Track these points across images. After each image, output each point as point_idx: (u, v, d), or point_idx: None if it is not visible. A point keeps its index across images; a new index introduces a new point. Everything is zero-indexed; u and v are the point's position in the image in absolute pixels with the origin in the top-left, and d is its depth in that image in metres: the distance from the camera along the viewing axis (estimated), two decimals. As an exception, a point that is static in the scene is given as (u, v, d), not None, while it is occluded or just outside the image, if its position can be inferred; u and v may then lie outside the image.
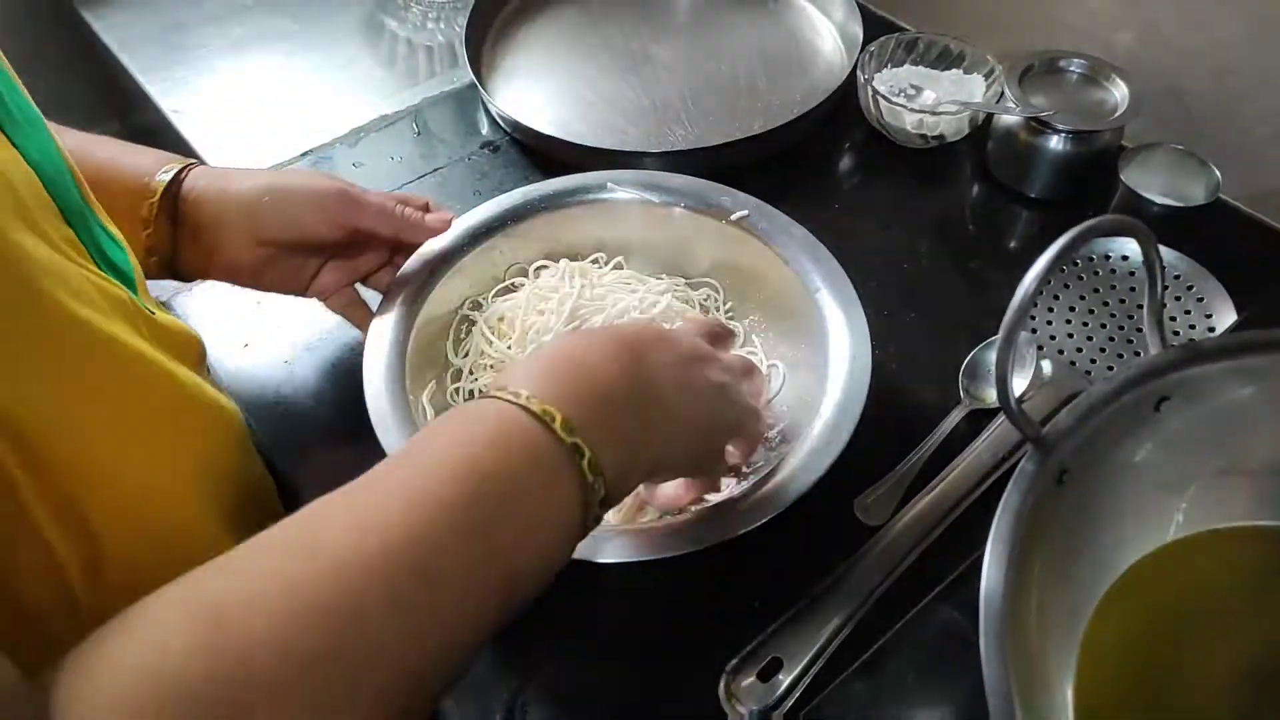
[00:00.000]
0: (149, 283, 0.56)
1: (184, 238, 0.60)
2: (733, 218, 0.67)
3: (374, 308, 0.65)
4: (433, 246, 0.66)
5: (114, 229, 0.52)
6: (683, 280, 0.71)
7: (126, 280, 0.49)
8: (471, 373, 0.66)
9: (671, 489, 0.53)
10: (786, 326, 0.67)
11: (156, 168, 0.60)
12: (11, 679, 0.30)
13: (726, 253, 0.69)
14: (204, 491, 0.50)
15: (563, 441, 0.39)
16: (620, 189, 0.69)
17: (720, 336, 0.57)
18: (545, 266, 0.70)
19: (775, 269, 0.67)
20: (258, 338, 0.72)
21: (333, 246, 0.64)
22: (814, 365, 0.62)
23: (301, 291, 0.65)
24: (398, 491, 0.37)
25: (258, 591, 0.32)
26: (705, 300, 0.71)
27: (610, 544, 0.53)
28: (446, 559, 0.35)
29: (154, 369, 0.47)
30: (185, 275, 0.63)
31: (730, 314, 0.71)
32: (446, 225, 0.66)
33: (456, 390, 0.66)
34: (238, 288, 0.64)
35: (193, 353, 0.56)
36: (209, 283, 0.75)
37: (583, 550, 0.52)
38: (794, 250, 0.66)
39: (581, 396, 0.41)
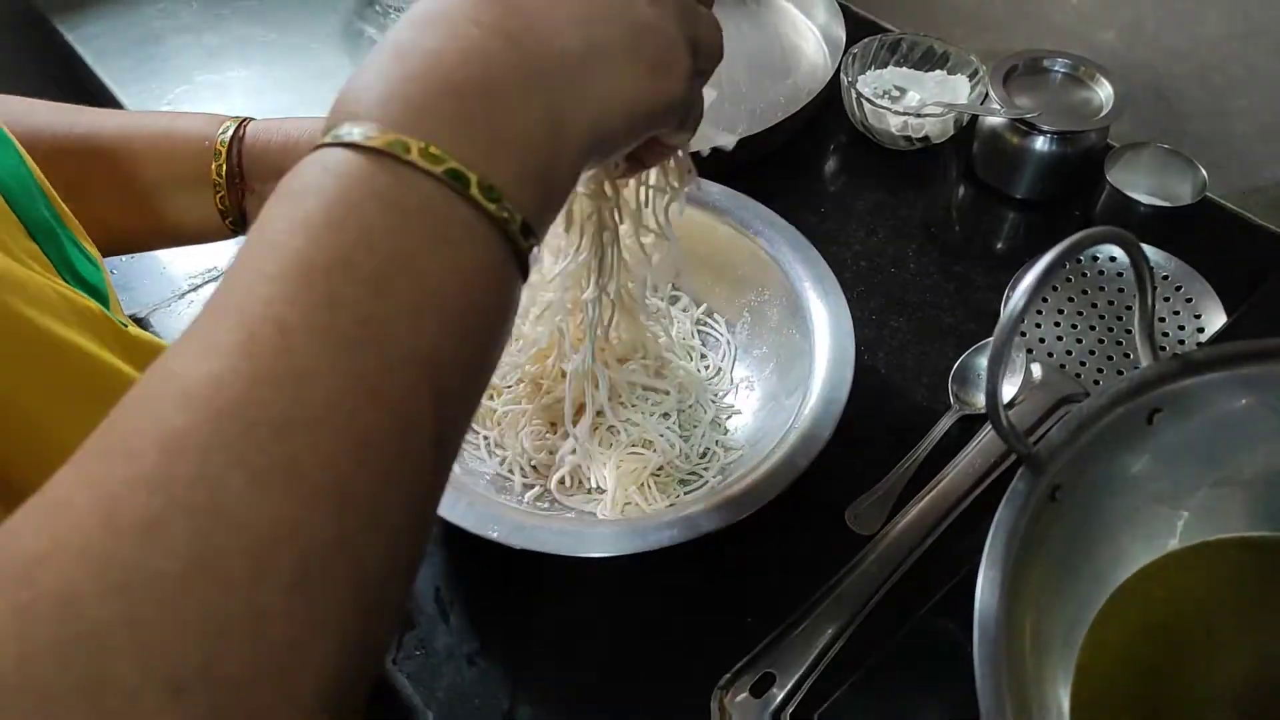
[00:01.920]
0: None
1: (251, 193, 0.60)
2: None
3: None
4: None
5: (88, 245, 0.51)
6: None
7: (101, 298, 0.49)
8: None
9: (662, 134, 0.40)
10: (770, 317, 0.67)
11: (213, 129, 0.59)
12: None
13: (710, 248, 0.69)
14: None
15: (429, 174, 0.28)
16: None
17: None
18: None
19: (756, 260, 0.67)
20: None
21: None
22: (799, 355, 0.62)
23: None
24: (224, 332, 0.25)
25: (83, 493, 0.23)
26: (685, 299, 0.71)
27: (594, 538, 0.53)
28: (325, 388, 0.25)
29: (121, 379, 0.47)
30: None
31: (711, 312, 0.71)
32: None
33: None
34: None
35: None
36: (186, 299, 0.75)
37: (566, 545, 0.52)
38: (776, 242, 0.66)
39: (442, 102, 0.29)
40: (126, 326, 0.49)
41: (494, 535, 0.52)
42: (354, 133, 0.28)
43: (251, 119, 0.61)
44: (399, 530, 0.26)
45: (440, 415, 0.27)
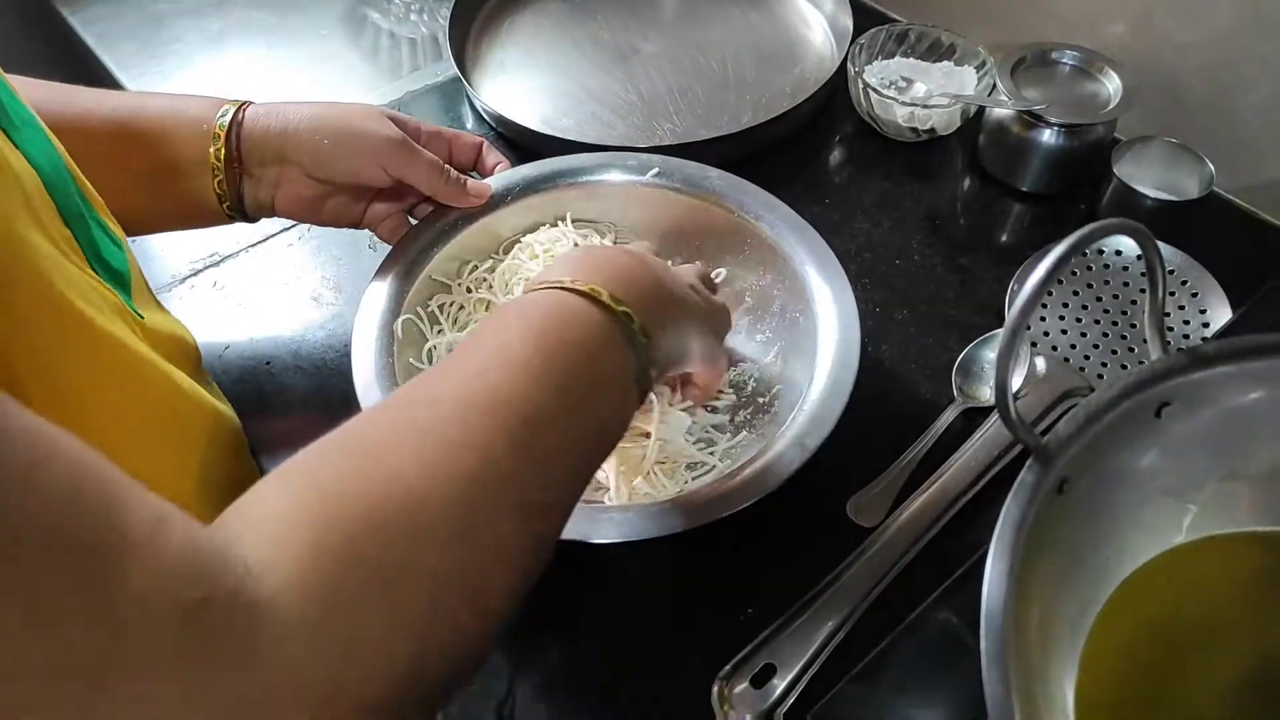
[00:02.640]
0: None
1: (249, 177, 0.61)
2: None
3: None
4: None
5: (114, 227, 0.51)
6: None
7: (122, 282, 0.49)
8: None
9: (703, 373, 0.57)
10: (774, 304, 0.67)
11: (213, 112, 0.60)
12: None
13: (717, 235, 0.69)
14: (205, 494, 0.50)
15: (612, 310, 0.43)
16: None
17: (708, 281, 0.61)
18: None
19: (764, 249, 0.67)
20: (238, 339, 0.71)
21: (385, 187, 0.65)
22: (803, 345, 0.62)
23: (357, 224, 0.67)
24: (483, 362, 0.39)
25: (394, 433, 0.35)
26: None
27: (601, 525, 0.53)
28: (545, 408, 0.38)
29: (155, 372, 0.47)
30: (251, 215, 0.64)
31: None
32: (483, 199, 0.67)
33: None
34: (221, 286, 0.62)
35: (188, 357, 0.56)
36: (188, 284, 0.74)
37: (573, 531, 0.52)
38: (780, 228, 0.66)
39: (614, 280, 0.45)
40: (143, 317, 0.49)
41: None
42: (565, 281, 0.44)
43: (251, 102, 0.61)
44: (573, 486, 0.41)
45: (577, 490, 0.41)
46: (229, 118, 0.59)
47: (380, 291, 0.63)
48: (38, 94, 0.55)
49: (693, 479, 0.60)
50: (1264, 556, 0.46)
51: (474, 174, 0.70)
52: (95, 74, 0.98)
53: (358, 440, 0.35)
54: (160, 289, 0.74)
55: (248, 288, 0.74)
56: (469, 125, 0.87)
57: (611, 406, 0.43)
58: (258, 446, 0.63)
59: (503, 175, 0.70)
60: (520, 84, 0.90)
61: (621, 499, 0.58)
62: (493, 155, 0.71)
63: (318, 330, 0.71)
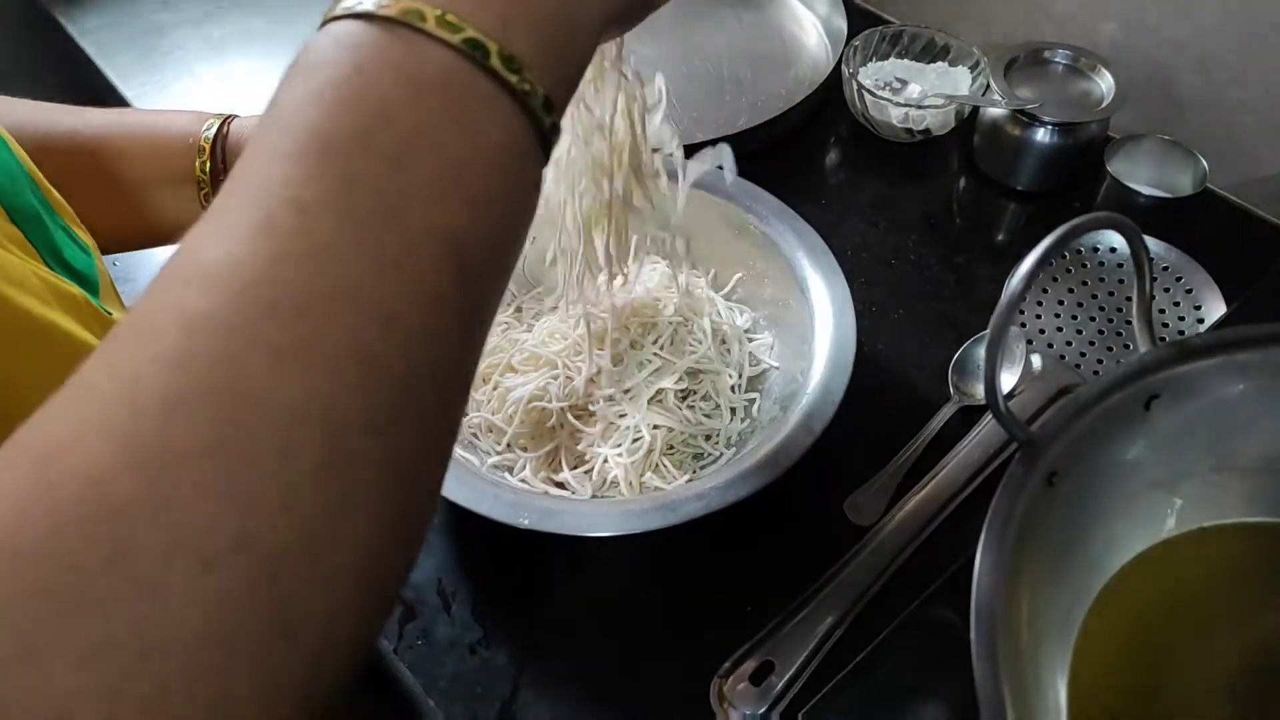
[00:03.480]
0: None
1: None
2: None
3: None
4: None
5: (86, 238, 0.51)
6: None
7: (89, 285, 0.49)
8: None
9: None
10: (771, 300, 0.68)
11: (198, 126, 0.59)
12: None
13: (712, 232, 0.70)
14: None
15: (448, 44, 0.27)
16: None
17: None
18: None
19: (760, 244, 0.67)
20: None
21: None
22: (799, 339, 0.63)
23: None
24: (238, 214, 0.25)
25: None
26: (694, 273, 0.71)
27: (593, 518, 0.53)
28: (346, 269, 0.24)
29: None
30: None
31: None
32: None
33: None
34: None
35: None
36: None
37: (565, 525, 0.52)
38: (778, 226, 0.67)
39: None
40: (111, 314, 0.49)
41: (524, 523, 0.53)
42: (365, 2, 0.27)
43: (237, 116, 0.61)
44: (427, 409, 0.26)
45: (465, 292, 0.27)
46: (214, 131, 0.59)
47: None
48: (23, 113, 0.55)
49: (699, 468, 0.61)
50: (1254, 547, 0.46)
51: None
52: (94, 83, 0.98)
53: (66, 390, 0.24)
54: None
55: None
56: (466, 130, 0.88)
57: (478, 192, 0.27)
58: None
59: None
60: (517, 89, 0.91)
61: (634, 494, 0.59)
62: None
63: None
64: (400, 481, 0.25)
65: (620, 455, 0.59)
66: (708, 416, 0.62)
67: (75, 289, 0.46)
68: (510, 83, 0.27)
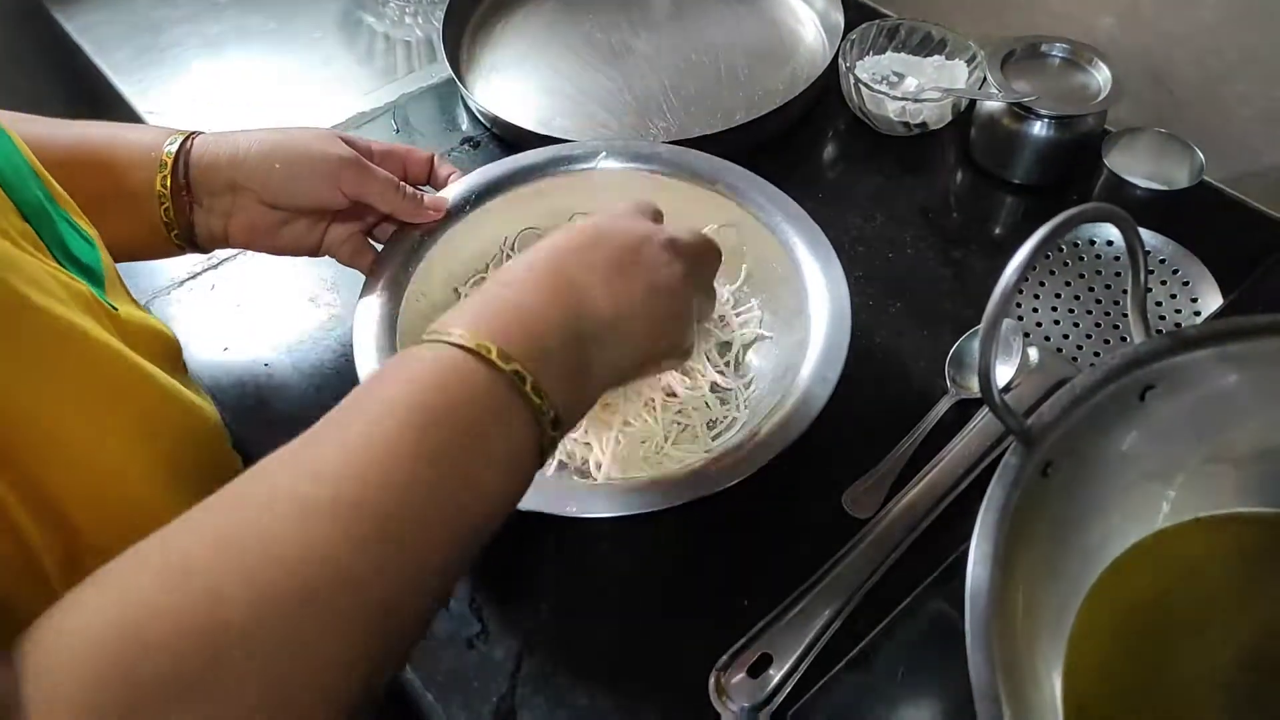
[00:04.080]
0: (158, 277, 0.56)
1: (199, 206, 0.61)
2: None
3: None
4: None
5: (87, 227, 0.51)
6: None
7: (95, 278, 0.49)
8: None
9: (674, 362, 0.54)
10: (769, 290, 0.68)
11: (161, 141, 0.60)
12: None
13: (710, 220, 0.70)
14: (179, 486, 0.50)
15: (501, 370, 0.40)
16: (610, 158, 0.71)
17: (659, 214, 0.56)
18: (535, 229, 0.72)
19: (756, 233, 0.67)
20: (237, 340, 0.71)
21: (341, 209, 0.65)
22: (796, 328, 0.63)
23: (315, 251, 0.66)
24: (348, 442, 0.36)
25: (223, 540, 0.33)
26: None
27: (582, 499, 0.54)
28: (405, 499, 0.36)
29: (121, 361, 0.47)
30: (204, 245, 0.63)
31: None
32: (441, 213, 0.67)
33: None
34: (218, 289, 0.62)
35: (166, 352, 0.55)
36: (186, 286, 0.75)
37: (554, 504, 0.53)
38: (773, 214, 0.67)
39: (514, 333, 0.41)
40: (117, 310, 0.49)
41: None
42: (453, 334, 0.40)
43: (200, 133, 0.61)
44: (436, 582, 0.38)
45: (466, 557, 0.39)
46: (176, 146, 0.59)
47: (378, 289, 0.63)
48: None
49: (712, 439, 0.62)
50: (1248, 537, 0.46)
51: (428, 188, 0.70)
52: (91, 80, 0.98)
53: (180, 550, 0.33)
54: (158, 292, 0.75)
55: (245, 290, 0.75)
56: (464, 127, 0.88)
57: (499, 478, 0.40)
58: (255, 448, 0.63)
59: (460, 182, 0.69)
60: (514, 85, 0.91)
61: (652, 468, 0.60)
62: (445, 167, 0.70)
63: (315, 331, 0.72)
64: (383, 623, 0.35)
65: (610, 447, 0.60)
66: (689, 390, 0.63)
67: (83, 285, 0.46)
68: (535, 404, 0.40)
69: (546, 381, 0.41)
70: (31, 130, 0.57)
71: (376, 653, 0.34)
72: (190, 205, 0.60)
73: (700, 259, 0.53)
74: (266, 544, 0.32)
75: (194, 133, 0.61)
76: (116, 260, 0.61)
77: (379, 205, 0.64)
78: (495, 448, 0.39)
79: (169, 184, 0.59)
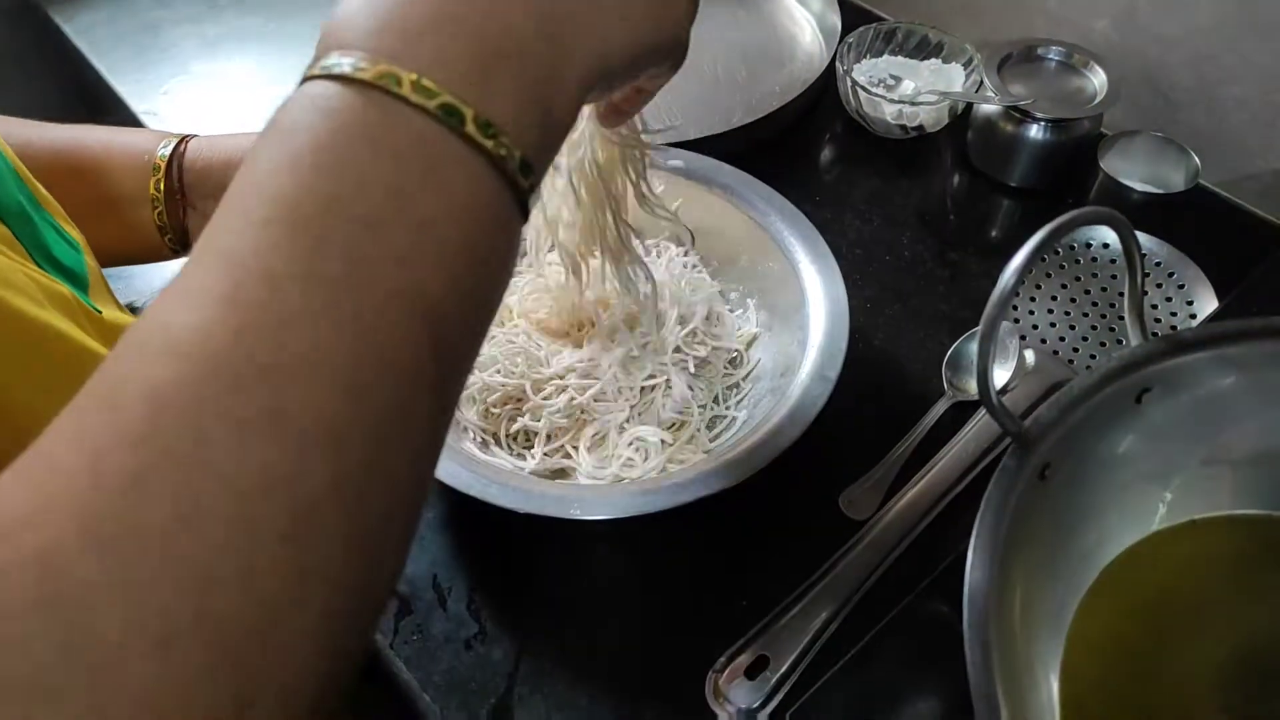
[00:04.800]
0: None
1: (193, 210, 0.61)
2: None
3: None
4: None
5: (71, 230, 0.51)
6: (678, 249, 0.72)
7: (78, 281, 0.49)
8: None
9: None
10: (766, 292, 0.68)
11: (155, 144, 0.59)
12: None
13: (708, 221, 0.70)
14: None
15: (423, 108, 0.27)
16: None
17: None
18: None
19: (753, 234, 0.68)
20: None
21: None
22: (793, 329, 0.63)
23: None
24: (212, 284, 0.25)
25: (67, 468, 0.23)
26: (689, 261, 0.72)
27: (583, 502, 0.54)
28: (316, 335, 0.24)
29: (97, 361, 0.46)
30: None
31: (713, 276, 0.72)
32: None
33: None
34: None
35: None
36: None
37: (556, 507, 0.53)
38: (770, 216, 0.67)
39: (433, 26, 0.28)
40: (100, 312, 0.49)
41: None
42: (343, 64, 0.27)
43: (195, 135, 0.61)
44: (397, 479, 0.26)
45: (439, 359, 0.26)
46: (170, 149, 0.59)
47: None
48: None
49: (711, 439, 0.62)
50: (1245, 539, 0.46)
51: None
52: (88, 81, 0.98)
53: (27, 460, 0.23)
54: (154, 295, 0.74)
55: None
56: (462, 128, 0.88)
57: (451, 258, 0.27)
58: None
59: None
60: (512, 86, 0.91)
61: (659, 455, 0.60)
62: None
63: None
64: (364, 553, 0.25)
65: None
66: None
67: (65, 288, 0.46)
68: (486, 147, 0.27)
69: (500, 102, 0.28)
70: (23, 134, 0.57)
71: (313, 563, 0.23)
72: (184, 209, 0.60)
73: None
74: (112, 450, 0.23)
75: (187, 136, 0.61)
76: (110, 265, 0.60)
77: None
78: (435, 218, 0.27)
79: (162, 187, 0.59)
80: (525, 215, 0.30)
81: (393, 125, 0.27)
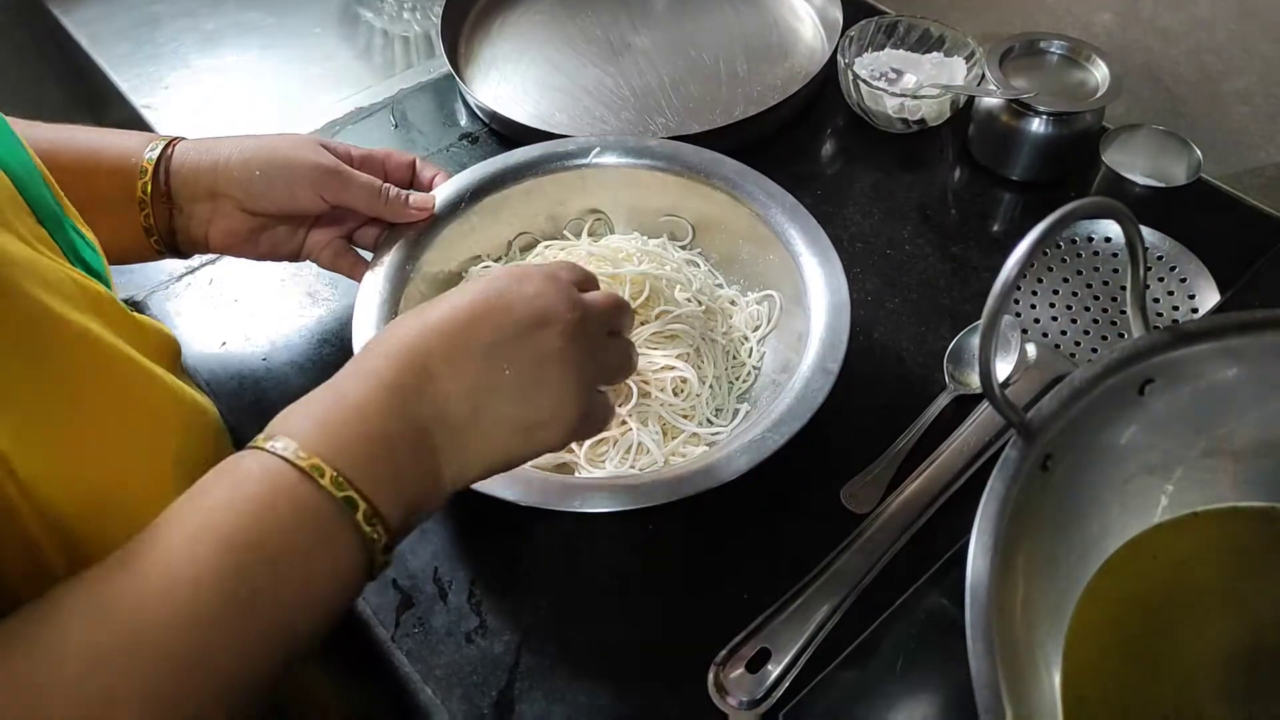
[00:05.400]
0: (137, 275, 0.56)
1: (180, 212, 0.61)
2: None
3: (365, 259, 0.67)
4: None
5: (87, 232, 0.51)
6: (674, 244, 0.72)
7: (102, 280, 0.49)
8: None
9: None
10: (767, 285, 0.69)
11: (142, 147, 0.60)
12: None
13: (709, 215, 0.70)
14: (182, 476, 0.50)
15: (333, 496, 0.38)
16: (605, 154, 0.71)
17: (588, 279, 0.51)
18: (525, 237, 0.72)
19: (753, 227, 0.68)
20: (234, 336, 0.71)
21: (321, 215, 0.65)
22: (795, 322, 0.63)
23: (295, 256, 0.66)
24: (153, 575, 0.35)
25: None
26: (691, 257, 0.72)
27: (585, 496, 0.54)
28: (212, 637, 0.35)
29: (131, 365, 0.47)
30: (184, 250, 0.64)
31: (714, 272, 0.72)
32: (427, 212, 0.67)
33: None
34: (216, 284, 0.63)
35: (169, 352, 0.56)
36: (184, 281, 0.75)
37: (558, 500, 0.53)
38: (771, 209, 0.67)
39: (354, 448, 0.39)
40: (129, 309, 0.50)
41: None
42: (289, 449, 0.38)
43: (182, 139, 0.61)
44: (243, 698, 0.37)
45: (284, 668, 0.38)
46: (157, 152, 0.59)
47: (375, 286, 0.63)
48: None
49: (712, 433, 0.62)
50: (1246, 531, 0.46)
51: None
52: (89, 76, 0.98)
53: None
54: (156, 287, 0.75)
55: (243, 284, 0.75)
56: (463, 122, 0.88)
57: (320, 603, 0.39)
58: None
59: (453, 181, 0.69)
60: (513, 80, 0.91)
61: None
62: (429, 169, 0.70)
63: (313, 326, 0.72)
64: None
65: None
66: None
67: (100, 287, 0.46)
68: (365, 533, 0.39)
69: (385, 501, 0.39)
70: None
71: None
72: (171, 211, 0.61)
73: (606, 319, 0.49)
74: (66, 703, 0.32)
75: (174, 139, 0.61)
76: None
77: (361, 209, 0.64)
78: (319, 575, 0.38)
79: (150, 190, 0.59)
80: (373, 578, 0.41)
81: (311, 500, 0.38)
